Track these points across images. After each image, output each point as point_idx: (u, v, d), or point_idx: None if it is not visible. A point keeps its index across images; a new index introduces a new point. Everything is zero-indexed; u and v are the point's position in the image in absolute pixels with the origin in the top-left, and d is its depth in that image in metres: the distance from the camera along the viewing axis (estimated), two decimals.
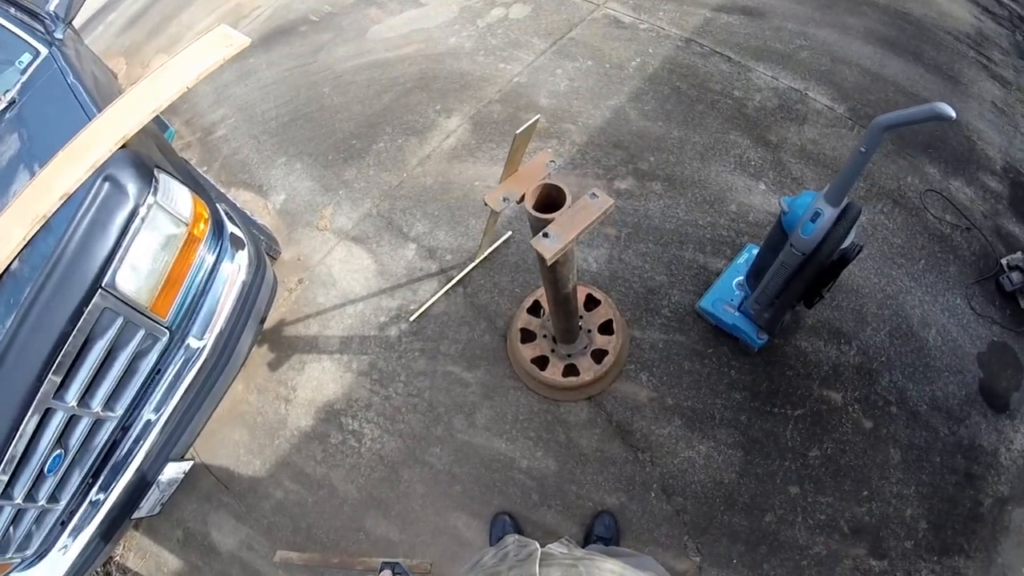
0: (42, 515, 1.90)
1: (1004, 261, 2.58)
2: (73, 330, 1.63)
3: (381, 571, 1.04)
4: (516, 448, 2.40)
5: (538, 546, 0.99)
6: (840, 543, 2.17)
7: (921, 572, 2.13)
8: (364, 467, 2.45)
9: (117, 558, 2.53)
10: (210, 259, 2.04)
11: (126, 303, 1.75)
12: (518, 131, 1.46)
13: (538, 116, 1.56)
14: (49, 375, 1.62)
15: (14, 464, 1.68)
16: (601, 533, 2.20)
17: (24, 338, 1.58)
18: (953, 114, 1.34)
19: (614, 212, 2.73)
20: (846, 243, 1.79)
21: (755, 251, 2.48)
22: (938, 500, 2.22)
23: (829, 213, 1.73)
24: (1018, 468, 2.28)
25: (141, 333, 1.84)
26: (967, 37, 3.36)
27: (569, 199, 1.50)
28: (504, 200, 1.55)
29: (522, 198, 1.54)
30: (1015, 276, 2.51)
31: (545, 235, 1.46)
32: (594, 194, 1.51)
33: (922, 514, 2.20)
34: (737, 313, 2.37)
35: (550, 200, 1.55)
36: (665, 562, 2.15)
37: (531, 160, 1.59)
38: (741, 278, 2.40)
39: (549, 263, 1.47)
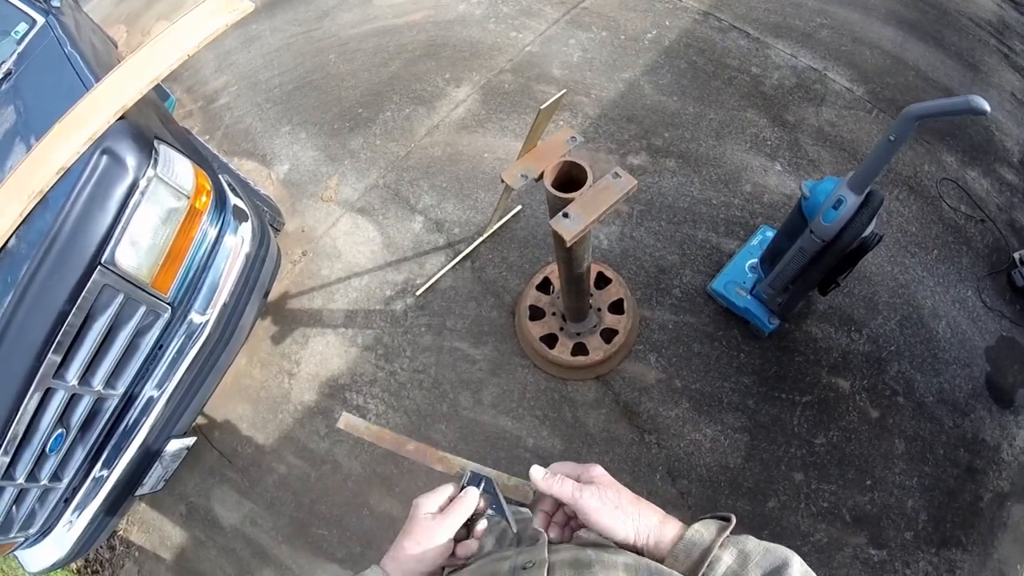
0: (45, 494, 1.89)
1: (1017, 256, 2.53)
2: (72, 308, 1.60)
3: (464, 484, 0.78)
4: (522, 426, 2.39)
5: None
6: (841, 531, 2.18)
7: (919, 563, 2.14)
8: (368, 443, 2.44)
9: (121, 532, 2.54)
10: (213, 232, 1.99)
11: (126, 280, 1.71)
12: (542, 106, 1.39)
13: (564, 91, 1.49)
14: (49, 354, 1.59)
15: (15, 444, 1.66)
16: None
17: (22, 317, 1.54)
18: (988, 108, 1.30)
19: None
20: (867, 232, 1.74)
21: (769, 233, 2.44)
22: (939, 493, 2.22)
23: (852, 200, 1.68)
24: (1019, 464, 2.28)
25: (142, 310, 1.80)
26: (989, 25, 3.26)
27: (590, 178, 1.44)
28: (522, 177, 1.49)
29: (541, 176, 1.48)
30: None
31: (565, 215, 1.41)
32: (616, 174, 1.45)
33: (923, 506, 2.21)
34: (749, 296, 2.34)
35: (570, 178, 1.49)
36: None
37: (551, 136, 1.53)
38: (754, 261, 2.36)
39: (569, 245, 1.42)
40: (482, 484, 0.77)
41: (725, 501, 2.23)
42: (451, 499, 0.76)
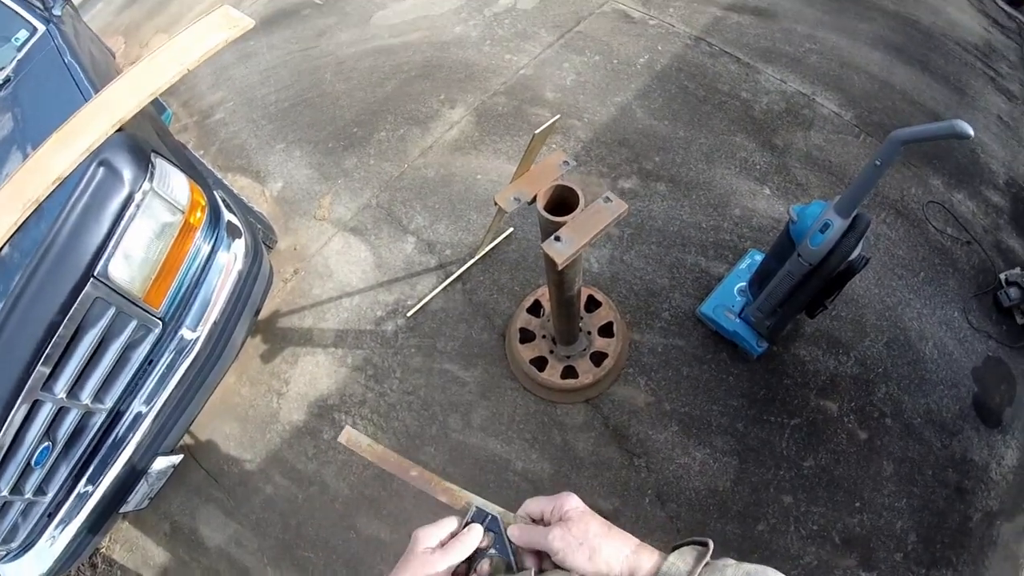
0: (28, 507, 1.85)
1: (1003, 276, 2.58)
2: (63, 320, 1.58)
3: (469, 520, 0.76)
4: (511, 449, 2.37)
5: None
6: (831, 553, 2.17)
7: None
8: (356, 464, 2.42)
9: (103, 550, 2.48)
10: (206, 248, 1.99)
11: (118, 293, 1.70)
12: (536, 131, 1.42)
13: (558, 116, 1.52)
14: (38, 366, 1.57)
15: (1, 456, 1.63)
16: None
17: (12, 328, 1.53)
18: (971, 132, 1.33)
19: None
20: (853, 254, 1.77)
21: (758, 257, 2.46)
22: (928, 513, 2.23)
23: (839, 224, 1.71)
24: (1008, 484, 2.30)
25: (133, 324, 1.79)
26: (975, 48, 3.35)
27: (582, 202, 1.46)
28: (515, 200, 1.51)
29: (534, 199, 1.50)
30: (1013, 292, 2.52)
31: (557, 238, 1.42)
32: (608, 198, 1.47)
33: (912, 527, 2.21)
34: (738, 320, 2.35)
35: (562, 202, 1.51)
36: None
37: (543, 159, 1.55)
38: (743, 284, 2.39)
39: (560, 268, 1.44)
40: (487, 521, 0.75)
41: (714, 524, 2.21)
42: (453, 534, 0.75)
